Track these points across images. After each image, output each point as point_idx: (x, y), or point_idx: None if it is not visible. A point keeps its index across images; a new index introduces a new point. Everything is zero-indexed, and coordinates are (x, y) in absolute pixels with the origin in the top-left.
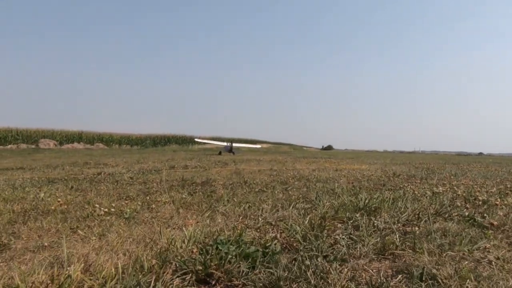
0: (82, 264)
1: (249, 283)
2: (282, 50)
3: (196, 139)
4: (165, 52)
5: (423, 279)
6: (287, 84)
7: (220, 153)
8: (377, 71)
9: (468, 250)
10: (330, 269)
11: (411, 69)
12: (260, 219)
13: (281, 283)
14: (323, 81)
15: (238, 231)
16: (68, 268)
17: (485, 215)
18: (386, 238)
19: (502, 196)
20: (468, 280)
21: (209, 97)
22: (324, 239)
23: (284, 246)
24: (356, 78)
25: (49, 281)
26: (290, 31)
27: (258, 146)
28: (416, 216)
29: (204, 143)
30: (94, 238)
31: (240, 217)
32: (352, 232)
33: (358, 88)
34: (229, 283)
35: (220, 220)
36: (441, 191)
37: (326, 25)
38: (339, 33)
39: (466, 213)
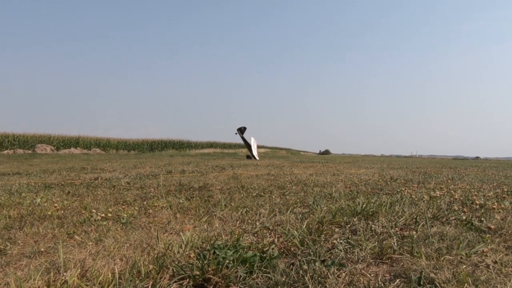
0: (79, 270)
1: None
2: (279, 56)
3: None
4: (162, 58)
5: (421, 283)
6: (285, 90)
7: (248, 157)
8: (374, 77)
9: (466, 254)
10: (328, 273)
11: (408, 75)
12: (258, 223)
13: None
14: (322, 86)
15: (236, 236)
16: (65, 274)
17: (482, 219)
18: (384, 242)
19: (499, 200)
20: (466, 284)
21: (206, 102)
22: (321, 243)
23: (282, 250)
24: (354, 84)
25: (45, 287)
26: (290, 38)
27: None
28: (414, 220)
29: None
30: (90, 243)
31: (238, 222)
32: (349, 237)
33: (356, 94)
34: None
35: (217, 225)
36: (438, 195)
37: (328, 33)
38: (339, 41)
39: (464, 217)
